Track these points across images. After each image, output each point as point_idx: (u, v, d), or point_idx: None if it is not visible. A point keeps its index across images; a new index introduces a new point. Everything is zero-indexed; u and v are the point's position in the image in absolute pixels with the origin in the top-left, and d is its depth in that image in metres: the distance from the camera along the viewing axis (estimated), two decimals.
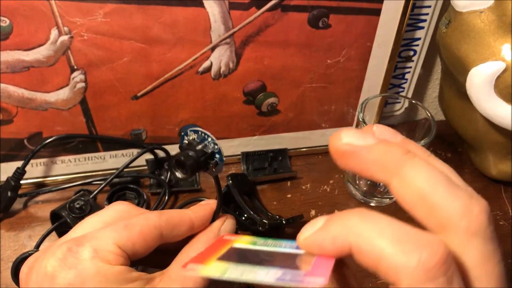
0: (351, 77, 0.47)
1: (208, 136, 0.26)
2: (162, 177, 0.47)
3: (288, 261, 0.18)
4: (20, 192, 0.44)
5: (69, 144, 0.45)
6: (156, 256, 0.26)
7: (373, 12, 0.42)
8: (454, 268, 0.15)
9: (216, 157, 0.26)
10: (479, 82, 0.39)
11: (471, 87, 0.40)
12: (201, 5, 0.38)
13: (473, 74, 0.40)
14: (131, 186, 0.46)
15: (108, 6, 0.37)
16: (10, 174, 0.43)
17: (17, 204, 0.45)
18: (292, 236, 0.20)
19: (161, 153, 0.47)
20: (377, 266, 0.15)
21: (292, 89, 0.46)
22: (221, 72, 0.43)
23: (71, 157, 0.46)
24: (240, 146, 0.50)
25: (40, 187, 0.47)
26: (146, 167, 0.48)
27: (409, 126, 0.47)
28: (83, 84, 0.41)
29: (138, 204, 0.45)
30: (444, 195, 0.16)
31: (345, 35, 0.43)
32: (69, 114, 0.43)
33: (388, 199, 0.47)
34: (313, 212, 0.46)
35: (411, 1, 0.41)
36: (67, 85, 0.41)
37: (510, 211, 0.47)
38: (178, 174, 0.26)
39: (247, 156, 0.49)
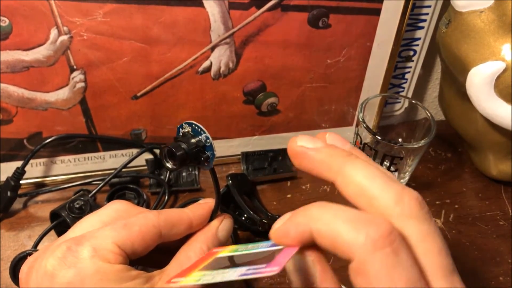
0: (351, 77, 0.47)
1: (201, 129, 0.26)
2: (162, 177, 0.47)
3: (263, 259, 0.20)
4: (19, 192, 0.44)
5: (69, 144, 0.45)
6: (154, 255, 0.26)
7: (373, 12, 0.42)
8: (399, 241, 0.17)
9: (208, 152, 0.26)
10: (479, 82, 0.39)
11: (471, 87, 0.40)
12: (201, 5, 0.38)
13: (473, 74, 0.40)
14: (131, 186, 0.46)
15: (108, 6, 0.37)
16: (10, 174, 0.43)
17: (17, 204, 0.45)
18: None
19: None
20: (334, 245, 0.18)
21: (292, 89, 0.46)
22: (221, 72, 0.43)
23: (71, 157, 0.46)
24: (240, 146, 0.50)
25: (39, 187, 0.47)
26: (145, 167, 0.48)
27: (409, 126, 0.47)
28: (82, 84, 0.41)
29: (137, 204, 0.44)
30: (380, 188, 0.19)
31: (345, 35, 0.43)
32: (69, 114, 0.43)
33: None
34: None
35: (411, 1, 0.41)
36: (67, 85, 0.41)
37: (510, 211, 0.47)
38: (168, 165, 0.26)
39: (247, 156, 0.49)
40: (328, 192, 0.48)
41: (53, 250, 0.23)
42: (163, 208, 0.44)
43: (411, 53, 0.49)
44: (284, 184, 0.49)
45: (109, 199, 0.45)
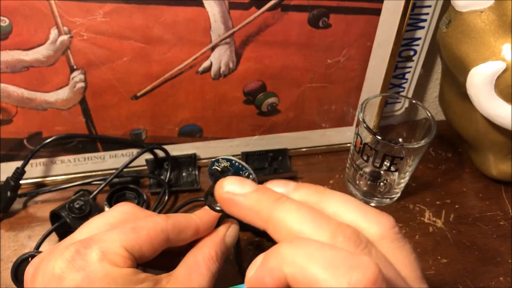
0: (351, 77, 0.47)
1: (243, 166, 0.25)
2: (162, 177, 0.47)
3: None
4: (19, 192, 0.44)
5: (69, 144, 0.45)
6: (159, 258, 0.26)
7: (373, 12, 0.42)
8: (385, 286, 0.16)
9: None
10: (479, 82, 0.39)
11: (471, 87, 0.40)
12: (201, 5, 0.38)
13: (473, 74, 0.40)
14: (131, 186, 0.46)
15: (108, 6, 0.37)
16: (10, 174, 0.43)
17: (17, 204, 0.45)
18: None
19: (160, 153, 0.47)
20: None
21: (292, 89, 0.46)
22: (221, 72, 0.43)
23: (71, 157, 0.46)
24: (240, 146, 0.50)
25: (39, 187, 0.47)
26: (146, 167, 0.48)
27: (409, 126, 0.47)
28: (82, 84, 0.41)
29: (138, 204, 0.44)
30: (311, 230, 0.18)
31: (345, 35, 0.43)
32: (68, 114, 0.43)
33: (388, 199, 0.47)
34: None
35: (411, 1, 0.41)
36: (67, 85, 0.41)
37: (510, 211, 0.47)
38: (217, 208, 0.26)
39: (247, 156, 0.49)
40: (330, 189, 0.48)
41: (61, 252, 0.23)
42: (163, 208, 0.44)
43: (411, 53, 0.49)
44: None
45: (109, 199, 0.45)
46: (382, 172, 0.44)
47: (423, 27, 0.47)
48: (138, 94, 0.43)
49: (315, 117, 0.49)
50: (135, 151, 0.47)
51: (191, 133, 0.47)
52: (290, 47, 0.43)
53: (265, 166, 0.49)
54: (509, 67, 0.38)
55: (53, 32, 0.38)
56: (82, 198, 0.40)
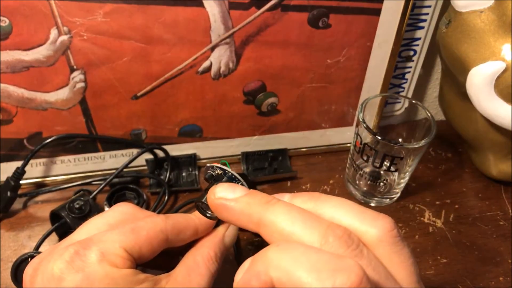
0: (351, 77, 0.47)
1: (236, 177, 0.26)
2: (162, 177, 0.47)
3: None
4: (19, 192, 0.44)
5: (69, 144, 0.45)
6: (158, 258, 0.26)
7: (373, 12, 0.42)
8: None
9: None
10: (479, 82, 0.39)
11: (471, 87, 0.40)
12: (201, 5, 0.38)
13: (473, 74, 0.40)
14: (131, 186, 0.46)
15: (108, 6, 0.37)
16: (10, 174, 0.43)
17: (17, 204, 0.45)
18: None
19: (160, 153, 0.47)
20: None
21: (292, 89, 0.46)
22: (221, 72, 0.43)
23: (71, 157, 0.46)
24: (240, 146, 0.50)
25: (39, 187, 0.47)
26: (146, 167, 0.48)
27: (409, 126, 0.47)
28: (82, 84, 0.41)
29: (137, 204, 0.45)
30: (302, 231, 0.18)
31: (345, 35, 0.43)
32: (68, 114, 0.43)
33: (388, 199, 0.47)
34: None
35: (411, 1, 0.41)
36: (67, 85, 0.41)
37: (510, 211, 0.47)
38: (208, 215, 0.27)
39: (247, 156, 0.49)
40: (328, 192, 0.48)
41: (60, 253, 0.23)
42: (163, 208, 0.45)
43: (411, 53, 0.49)
44: (284, 184, 0.49)
45: (109, 199, 0.45)
46: (382, 172, 0.44)
47: (423, 27, 0.47)
48: (138, 94, 0.43)
49: (315, 117, 0.49)
50: (135, 151, 0.47)
51: (191, 133, 0.47)
52: (290, 47, 0.43)
53: (265, 166, 0.49)
54: (509, 67, 0.38)
55: (53, 32, 0.38)
56: (82, 198, 0.40)
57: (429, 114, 0.42)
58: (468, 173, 0.52)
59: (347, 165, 0.48)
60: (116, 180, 0.45)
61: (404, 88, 0.53)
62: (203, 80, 0.43)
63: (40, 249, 0.39)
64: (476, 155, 0.50)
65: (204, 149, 0.49)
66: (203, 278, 0.25)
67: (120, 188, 0.46)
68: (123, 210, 0.27)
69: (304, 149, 0.52)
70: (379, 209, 0.46)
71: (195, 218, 0.28)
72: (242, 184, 0.26)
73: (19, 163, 0.43)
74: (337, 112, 0.50)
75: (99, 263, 0.23)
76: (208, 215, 0.27)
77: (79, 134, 0.45)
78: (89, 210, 0.40)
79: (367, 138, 0.41)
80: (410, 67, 0.51)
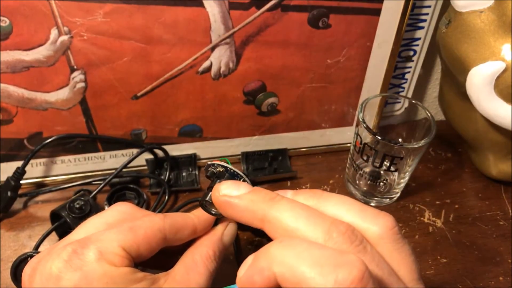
0: (351, 77, 0.47)
1: (238, 174, 0.26)
2: (162, 177, 0.47)
3: None
4: (20, 192, 0.44)
5: (69, 144, 0.45)
6: (156, 257, 0.26)
7: (373, 12, 0.42)
8: (371, 284, 0.16)
9: None
10: (479, 82, 0.39)
11: (471, 87, 0.40)
12: (201, 5, 0.38)
13: (473, 74, 0.40)
14: (131, 186, 0.46)
15: (108, 6, 0.37)
16: (10, 174, 0.43)
17: (17, 204, 0.45)
18: None
19: (160, 153, 0.47)
20: None
21: (292, 89, 0.46)
22: (221, 72, 0.43)
23: (71, 157, 0.46)
24: (240, 146, 0.50)
25: (40, 187, 0.47)
26: (146, 167, 0.48)
27: (409, 126, 0.47)
28: (83, 84, 0.41)
29: (138, 204, 0.45)
30: (306, 228, 0.19)
31: (345, 35, 0.43)
32: (69, 114, 0.43)
33: (388, 199, 0.47)
34: None
35: (411, 1, 0.41)
36: (67, 85, 0.41)
37: (510, 211, 0.47)
38: (213, 212, 0.27)
39: (247, 156, 0.49)
40: (328, 192, 0.48)
41: (58, 253, 0.23)
42: (163, 208, 0.45)
43: (411, 53, 0.49)
44: (284, 184, 0.49)
45: (109, 199, 0.45)
46: (382, 172, 0.44)
47: (422, 27, 0.47)
48: (138, 94, 0.43)
49: (315, 117, 0.49)
50: (135, 151, 0.47)
51: (191, 133, 0.48)
52: (290, 47, 0.43)
53: (265, 166, 0.49)
54: (509, 67, 0.38)
55: (53, 32, 0.38)
56: (82, 198, 0.40)
57: (429, 114, 0.42)
58: (468, 173, 0.52)
59: (347, 165, 0.48)
60: (116, 180, 0.45)
61: (404, 88, 0.53)
62: (203, 80, 0.43)
63: (39, 249, 0.39)
64: (476, 155, 0.50)
65: (204, 149, 0.49)
66: (202, 277, 0.25)
67: (120, 188, 0.46)
68: (121, 209, 0.27)
69: (304, 149, 0.52)
70: (379, 209, 0.46)
71: (194, 217, 0.28)
72: (244, 180, 0.26)
73: (19, 163, 0.43)
74: (337, 112, 0.50)
75: (97, 261, 0.23)
76: (213, 212, 0.27)
77: (79, 134, 0.45)
78: (89, 210, 0.40)
79: (367, 138, 0.41)
80: (410, 67, 0.51)
